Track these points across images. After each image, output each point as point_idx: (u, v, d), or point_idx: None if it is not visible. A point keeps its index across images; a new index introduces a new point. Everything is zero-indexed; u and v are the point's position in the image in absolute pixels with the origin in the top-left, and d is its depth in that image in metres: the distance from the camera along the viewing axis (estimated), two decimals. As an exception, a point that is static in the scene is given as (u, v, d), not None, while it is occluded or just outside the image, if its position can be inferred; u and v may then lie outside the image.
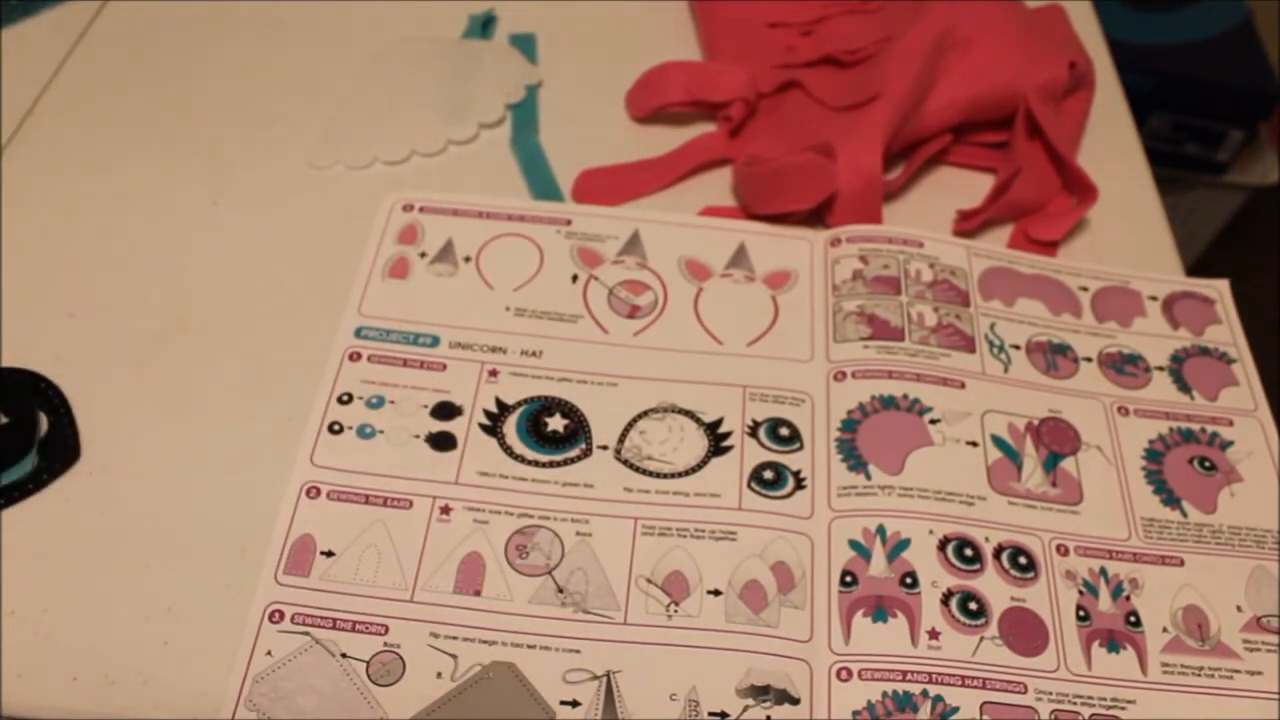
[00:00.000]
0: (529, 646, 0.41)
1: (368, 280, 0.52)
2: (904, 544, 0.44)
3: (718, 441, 0.47)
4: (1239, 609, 0.44)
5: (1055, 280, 0.54)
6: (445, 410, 0.48)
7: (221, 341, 0.50)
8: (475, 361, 0.49)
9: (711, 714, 0.40)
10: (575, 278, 0.53)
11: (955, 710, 0.40)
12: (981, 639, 0.42)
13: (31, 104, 0.60)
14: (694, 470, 0.46)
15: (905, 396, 0.48)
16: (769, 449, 0.47)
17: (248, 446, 0.47)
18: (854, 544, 0.44)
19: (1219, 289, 0.55)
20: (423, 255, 0.53)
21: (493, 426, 0.47)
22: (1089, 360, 0.51)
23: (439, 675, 0.41)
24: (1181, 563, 0.45)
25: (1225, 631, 0.44)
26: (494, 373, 0.49)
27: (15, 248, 0.53)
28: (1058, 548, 0.45)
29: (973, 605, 0.43)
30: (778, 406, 0.49)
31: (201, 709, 0.40)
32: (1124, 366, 0.51)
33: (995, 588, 0.43)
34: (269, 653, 0.41)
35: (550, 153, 0.59)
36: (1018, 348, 0.51)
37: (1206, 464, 0.48)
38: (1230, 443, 0.49)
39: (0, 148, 0.58)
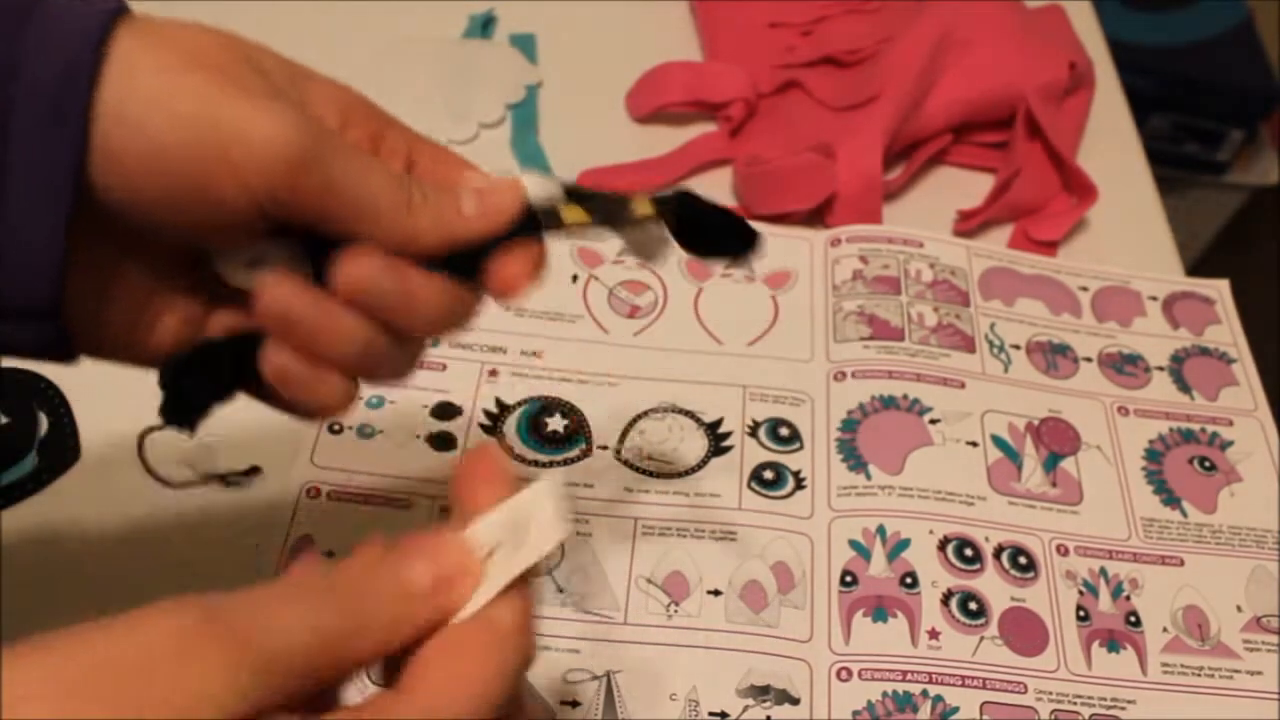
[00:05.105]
0: (529, 646, 0.41)
1: (368, 280, 0.52)
2: (904, 544, 0.44)
3: (718, 441, 0.47)
4: (1239, 609, 0.44)
5: (1055, 280, 0.54)
6: (445, 410, 0.48)
7: (221, 341, 0.50)
8: (475, 361, 0.49)
9: (711, 714, 0.40)
10: (575, 278, 0.53)
11: (955, 710, 0.40)
12: (981, 639, 0.42)
13: (31, 104, 0.60)
14: (694, 470, 0.46)
15: (905, 396, 0.48)
16: (769, 449, 0.47)
17: (248, 446, 0.47)
18: (854, 544, 0.44)
19: (1219, 289, 0.55)
20: (423, 255, 0.53)
21: (493, 426, 0.47)
22: (1089, 360, 0.51)
23: (439, 675, 0.41)
24: (1181, 563, 0.45)
25: (1225, 631, 0.44)
26: (494, 373, 0.49)
27: (15, 248, 0.53)
28: (1058, 548, 0.45)
29: (973, 605, 0.43)
30: (778, 406, 0.49)
31: (201, 709, 0.40)
32: (1124, 366, 0.51)
33: (995, 588, 0.43)
34: (269, 653, 0.41)
35: (550, 153, 0.59)
36: (1018, 348, 0.51)
37: (1206, 464, 0.48)
38: (1230, 443, 0.49)
39: (0, 148, 0.58)
